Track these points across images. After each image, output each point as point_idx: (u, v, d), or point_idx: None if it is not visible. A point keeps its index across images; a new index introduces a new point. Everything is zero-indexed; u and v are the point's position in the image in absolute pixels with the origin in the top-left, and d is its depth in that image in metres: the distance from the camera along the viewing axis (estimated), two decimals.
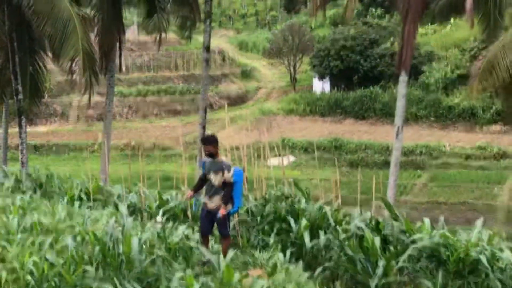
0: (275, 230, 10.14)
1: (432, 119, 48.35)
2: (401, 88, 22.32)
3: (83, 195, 14.49)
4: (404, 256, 8.11)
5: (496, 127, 45.52)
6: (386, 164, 40.56)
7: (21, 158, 22.45)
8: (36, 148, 45.69)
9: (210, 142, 9.59)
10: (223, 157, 9.60)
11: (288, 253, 9.42)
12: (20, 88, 21.67)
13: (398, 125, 22.36)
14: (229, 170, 9.23)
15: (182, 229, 7.65)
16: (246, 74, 63.43)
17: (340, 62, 53.02)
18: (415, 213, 29.91)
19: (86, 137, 47.39)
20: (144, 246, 7.07)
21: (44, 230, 9.01)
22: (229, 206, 9.26)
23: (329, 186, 32.87)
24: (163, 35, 24.51)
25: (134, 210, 13.49)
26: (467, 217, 29.29)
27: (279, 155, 16.35)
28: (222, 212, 9.19)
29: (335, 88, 54.34)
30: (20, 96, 21.83)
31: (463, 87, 49.28)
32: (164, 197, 13.65)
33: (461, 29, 54.22)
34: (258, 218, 10.73)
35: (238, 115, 52.25)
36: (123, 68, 41.39)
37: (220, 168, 9.34)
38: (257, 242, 10.49)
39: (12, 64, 21.39)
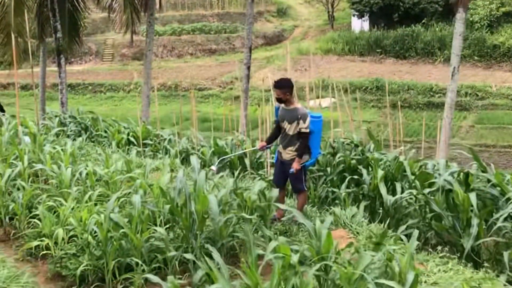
0: (346, 182, 9.26)
1: (476, 58, 46.73)
2: (459, 26, 21.01)
3: (132, 139, 13.77)
4: (504, 214, 7.22)
5: None
6: (430, 105, 39.51)
7: (61, 98, 21.85)
8: (72, 87, 45.14)
9: (280, 87, 8.65)
10: (297, 104, 8.68)
11: (361, 207, 8.62)
12: (59, 26, 20.87)
13: (454, 65, 21.17)
14: (304, 120, 8.29)
15: (259, 185, 6.79)
16: (282, 12, 61.79)
17: (380, 0, 51.24)
18: (462, 156, 28.83)
19: (121, 77, 46.65)
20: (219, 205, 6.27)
21: (101, 182, 8.29)
22: (306, 158, 8.39)
23: (373, 127, 31.95)
24: None
25: (186, 157, 12.75)
26: (497, 162, 28.17)
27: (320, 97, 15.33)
28: (295, 166, 8.31)
29: (375, 27, 52.56)
30: (59, 35, 21.05)
31: (509, 25, 47.60)
32: (220, 142, 12.80)
33: None
34: (328, 169, 9.86)
35: (275, 55, 51.06)
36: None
37: (295, 117, 8.41)
38: (325, 194, 9.67)
39: (51, 1, 20.54)
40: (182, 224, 6.28)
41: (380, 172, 8.87)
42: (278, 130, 8.78)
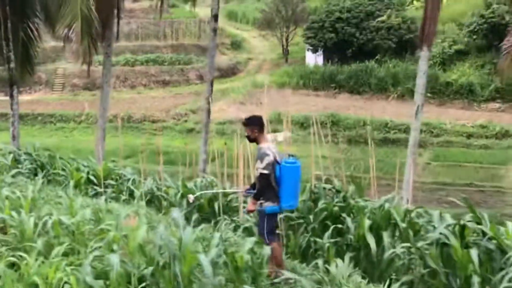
0: (329, 231, 8.68)
1: (429, 95, 47.00)
2: (423, 64, 20.97)
3: (92, 178, 12.96)
4: (509, 274, 6.72)
5: (494, 105, 44.50)
6: (386, 141, 39.43)
7: (12, 131, 20.86)
8: (21, 117, 43.58)
9: (248, 124, 8.19)
10: (263, 143, 8.15)
11: (346, 259, 8.04)
12: (12, 56, 19.96)
13: (418, 103, 21.05)
14: (261, 160, 7.83)
15: (251, 242, 6.12)
16: (237, 45, 61.58)
17: (334, 35, 51.51)
18: (420, 194, 28.72)
19: (72, 107, 45.46)
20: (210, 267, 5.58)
21: (66, 231, 7.52)
22: (266, 204, 7.85)
23: (329, 163, 31.62)
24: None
25: (151, 199, 12.02)
26: (475, 199, 28.11)
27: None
28: (248, 207, 7.90)
29: (329, 62, 52.74)
30: (12, 65, 20.12)
31: (461, 63, 48.22)
32: (189, 184, 12.07)
33: (458, 3, 52.98)
34: (309, 216, 9.26)
35: (230, 88, 50.63)
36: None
37: (257, 157, 8.01)
38: (305, 244, 9.06)
39: (4, 30, 19.65)
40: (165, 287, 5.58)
41: (367, 222, 8.33)
42: None
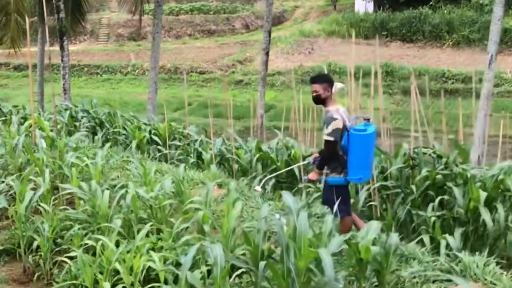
0: (436, 202, 7.58)
1: (485, 42, 45.03)
2: (498, 9, 19.34)
3: (155, 138, 12.03)
4: None
5: None
6: (444, 92, 37.79)
7: (63, 84, 20.05)
8: None
9: (318, 81, 7.10)
10: (331, 107, 7.04)
11: (457, 235, 7.01)
12: (62, 5, 19.00)
13: (492, 52, 19.51)
14: (327, 125, 6.75)
15: (375, 228, 5.06)
16: None
17: None
18: (485, 148, 27.30)
19: (118, 58, 44.63)
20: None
21: (146, 208, 6.59)
22: (332, 175, 6.83)
23: (387, 116, 30.34)
24: None
25: (221, 161, 11.06)
26: None
27: None
28: (310, 176, 7.01)
29: (380, 8, 50.73)
30: (62, 14, 19.18)
31: None
32: (264, 147, 11.00)
33: None
34: (410, 186, 8.17)
35: (277, 37, 49.16)
36: None
37: (324, 121, 6.95)
38: (404, 217, 8.00)
39: None
40: (278, 285, 4.61)
41: (483, 194, 7.21)
42: None
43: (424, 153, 8.44)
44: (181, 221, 5.89)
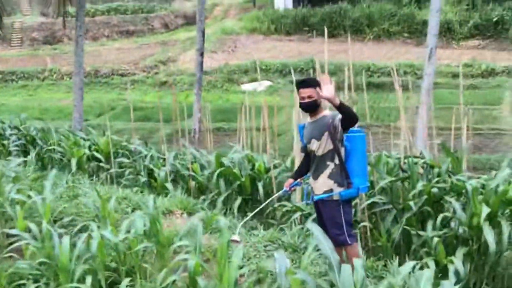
0: (438, 220, 6.80)
1: (405, 35, 45.48)
2: (435, 2, 19.04)
3: (97, 155, 10.84)
4: None
5: (474, 42, 42.98)
6: (370, 86, 37.59)
7: None
8: None
9: (308, 84, 6.24)
10: (326, 111, 6.27)
11: (459, 255, 6.28)
12: None
13: (431, 46, 19.26)
14: (334, 118, 5.95)
15: (427, 278, 4.21)
16: None
17: None
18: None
19: (34, 63, 42.41)
20: None
21: (118, 256, 5.51)
22: (337, 189, 6.00)
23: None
24: None
25: (175, 179, 10.01)
26: (475, 144, 26.66)
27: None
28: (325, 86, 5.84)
29: (299, 4, 50.40)
30: None
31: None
32: (225, 160, 9.94)
33: None
34: (403, 201, 7.38)
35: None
36: None
37: (324, 126, 6.05)
38: (399, 237, 7.20)
39: None
40: None
41: (485, 210, 6.48)
42: (308, 159, 6.36)
43: (416, 163, 7.68)
44: (165, 272, 4.86)
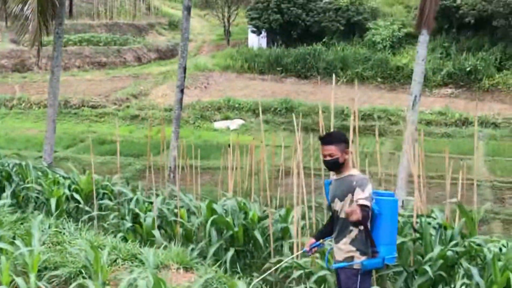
0: (458, 286, 6.33)
1: (379, 80, 45.64)
2: (421, 50, 18.88)
3: (76, 196, 10.18)
4: None
5: (447, 90, 43.34)
6: (344, 129, 37.34)
7: None
8: None
9: (333, 141, 5.77)
10: (354, 170, 5.79)
11: None
12: None
13: (416, 93, 19.04)
14: (363, 188, 5.43)
15: None
16: (174, 26, 58.41)
17: (280, 16, 49.26)
18: (392, 188, 26.82)
19: (2, 90, 41.42)
20: None
21: None
22: (359, 257, 5.50)
23: (289, 154, 29.37)
24: None
25: (161, 225, 9.39)
26: (452, 194, 26.41)
27: None
28: (352, 209, 5.41)
29: (274, 44, 50.41)
30: None
31: (411, 47, 46.83)
32: (218, 208, 9.31)
33: None
34: (423, 266, 6.89)
35: (171, 70, 47.63)
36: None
37: (349, 187, 5.56)
38: None
39: None
40: None
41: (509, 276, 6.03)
42: (333, 219, 5.87)
43: (429, 224, 7.21)
44: None
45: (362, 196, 5.42)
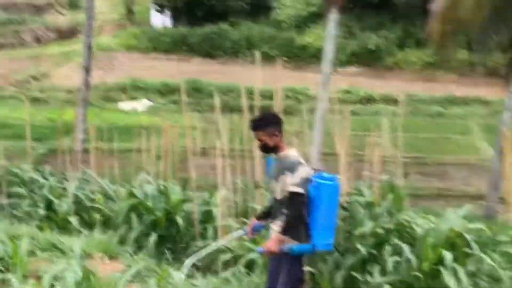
0: (390, 264, 6.25)
1: (285, 59, 45.78)
2: (331, 29, 18.81)
3: None
4: None
5: (352, 69, 43.93)
6: (252, 109, 37.12)
7: None
8: None
9: (261, 126, 5.61)
10: (290, 151, 5.63)
11: None
12: None
13: (327, 71, 19.01)
14: (292, 171, 5.31)
15: None
16: (74, 4, 56.45)
17: None
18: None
19: None
20: None
21: None
22: (292, 241, 5.35)
23: (199, 135, 29.05)
24: None
25: (77, 211, 8.89)
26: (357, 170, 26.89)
27: None
28: (268, 245, 5.28)
29: (178, 23, 49.65)
30: None
31: (316, 26, 47.17)
32: (137, 192, 8.89)
33: None
34: (354, 244, 6.76)
35: (72, 51, 46.13)
36: None
37: (281, 169, 5.42)
38: (343, 285, 6.56)
39: None
40: None
41: (448, 256, 5.99)
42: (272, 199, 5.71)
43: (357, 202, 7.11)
44: None
45: (292, 181, 5.27)
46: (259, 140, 5.62)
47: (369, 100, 37.76)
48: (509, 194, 17.92)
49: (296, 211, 5.23)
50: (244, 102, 9.20)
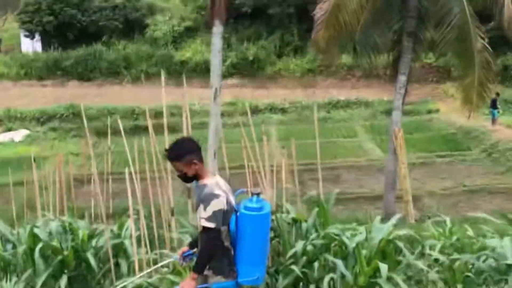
0: (325, 284, 5.90)
1: (165, 76, 45.15)
2: (217, 42, 18.38)
3: None
4: None
5: (233, 81, 43.92)
6: (137, 129, 36.25)
7: None
8: None
9: (177, 157, 5.19)
10: (208, 179, 5.19)
11: None
12: None
13: (216, 86, 18.52)
14: (205, 204, 4.95)
15: None
16: None
17: (53, 17, 47.07)
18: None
19: None
20: None
21: None
22: (213, 278, 4.97)
23: (82, 161, 27.94)
24: None
25: None
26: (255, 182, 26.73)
27: None
28: (182, 284, 4.90)
29: (50, 47, 48.00)
30: None
31: (192, 40, 46.92)
32: (41, 232, 8.03)
33: None
34: (286, 265, 6.34)
35: None
36: None
37: (198, 199, 5.05)
38: None
39: None
40: None
41: (383, 267, 5.73)
42: None
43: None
44: None
45: (204, 215, 4.84)
46: (178, 171, 5.14)
47: (254, 110, 37.76)
48: (406, 192, 18.26)
49: (209, 246, 4.84)
50: (149, 122, 8.57)
